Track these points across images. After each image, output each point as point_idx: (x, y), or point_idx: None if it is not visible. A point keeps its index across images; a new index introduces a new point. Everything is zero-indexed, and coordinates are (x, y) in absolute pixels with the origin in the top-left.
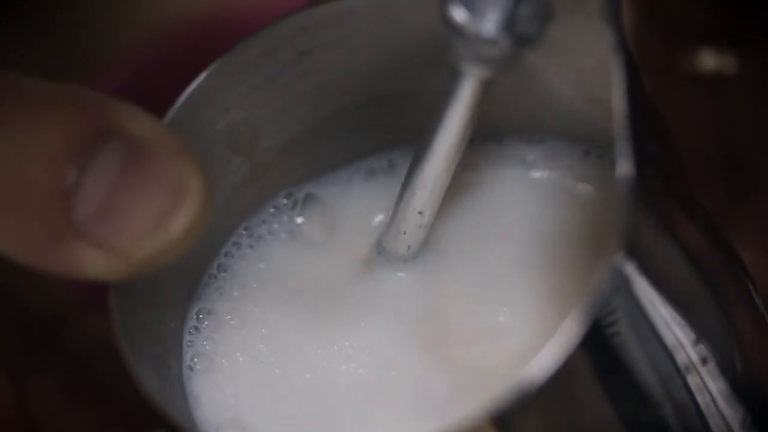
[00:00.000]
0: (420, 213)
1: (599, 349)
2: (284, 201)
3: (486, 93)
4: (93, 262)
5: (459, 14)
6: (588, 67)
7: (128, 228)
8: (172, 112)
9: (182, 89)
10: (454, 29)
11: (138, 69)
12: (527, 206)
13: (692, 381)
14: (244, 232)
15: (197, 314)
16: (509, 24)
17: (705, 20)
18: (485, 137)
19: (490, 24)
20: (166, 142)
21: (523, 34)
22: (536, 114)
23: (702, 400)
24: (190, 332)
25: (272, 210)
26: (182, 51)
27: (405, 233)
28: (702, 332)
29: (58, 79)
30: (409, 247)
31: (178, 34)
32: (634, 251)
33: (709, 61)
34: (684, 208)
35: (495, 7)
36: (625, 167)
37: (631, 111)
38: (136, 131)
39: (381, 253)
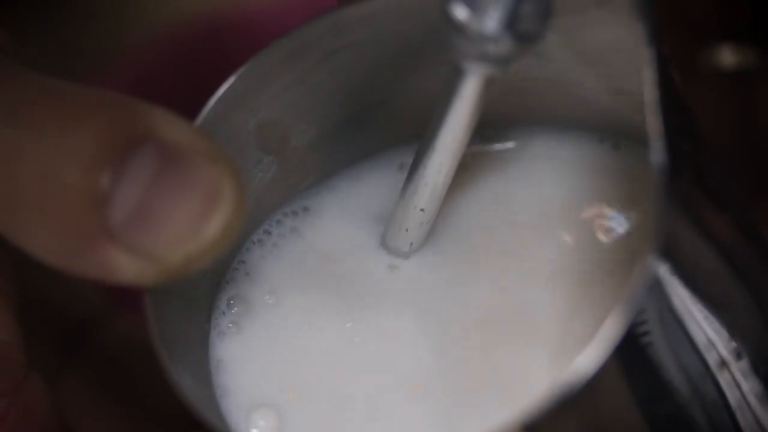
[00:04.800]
0: (422, 210)
1: (627, 350)
2: (311, 196)
3: (487, 90)
4: (126, 267)
5: (461, 12)
6: (613, 61)
7: (162, 233)
8: (203, 114)
9: (187, 90)
10: (456, 27)
11: (142, 70)
12: (549, 188)
13: (724, 379)
14: (271, 226)
15: (228, 301)
16: (511, 22)
17: (725, 16)
18: (506, 127)
19: (491, 22)
20: (199, 147)
21: (524, 31)
22: (561, 107)
23: (733, 398)
24: (217, 320)
25: (299, 205)
26: (187, 52)
27: (407, 230)
28: (735, 329)
29: (61, 80)
30: (411, 244)
31: (183, 35)
32: (668, 251)
33: (730, 57)
34: (716, 203)
35: (497, 5)
36: (659, 165)
37: (663, 106)
38: (170, 136)
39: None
